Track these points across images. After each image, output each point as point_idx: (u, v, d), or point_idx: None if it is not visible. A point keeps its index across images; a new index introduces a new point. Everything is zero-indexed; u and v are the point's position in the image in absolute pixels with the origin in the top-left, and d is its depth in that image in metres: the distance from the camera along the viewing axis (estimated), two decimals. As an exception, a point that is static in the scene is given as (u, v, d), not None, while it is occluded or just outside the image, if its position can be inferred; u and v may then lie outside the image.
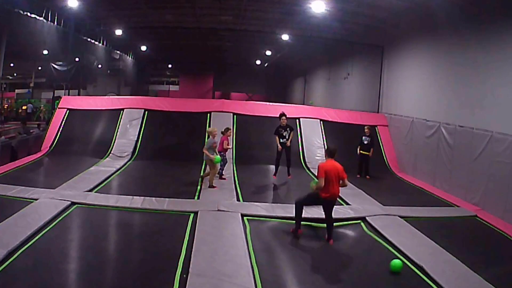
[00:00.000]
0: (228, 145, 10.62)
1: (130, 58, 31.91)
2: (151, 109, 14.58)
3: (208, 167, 10.24)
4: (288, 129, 11.03)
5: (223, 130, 10.69)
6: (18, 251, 5.73)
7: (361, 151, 12.43)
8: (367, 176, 12.25)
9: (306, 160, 13.49)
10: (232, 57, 32.61)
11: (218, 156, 9.97)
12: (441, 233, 7.74)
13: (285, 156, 11.21)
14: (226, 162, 11.25)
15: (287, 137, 10.94)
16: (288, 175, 11.25)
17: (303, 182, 11.57)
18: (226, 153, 10.96)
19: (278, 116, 11.28)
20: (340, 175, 7.03)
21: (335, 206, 8.97)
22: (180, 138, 13.90)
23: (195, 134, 13.95)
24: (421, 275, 5.88)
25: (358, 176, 12.23)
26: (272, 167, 12.03)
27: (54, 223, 7.01)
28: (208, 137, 10.12)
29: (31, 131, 16.79)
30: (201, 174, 10.76)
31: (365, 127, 12.74)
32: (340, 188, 7.19)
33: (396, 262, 6.04)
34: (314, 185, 7.18)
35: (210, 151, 9.87)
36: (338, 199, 9.72)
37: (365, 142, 12.41)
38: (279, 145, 10.97)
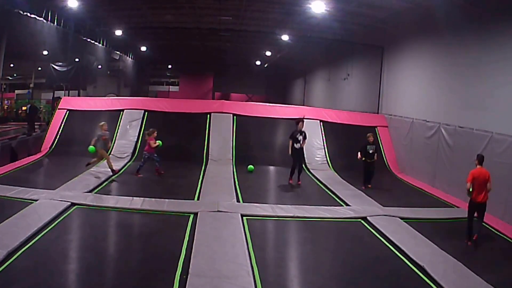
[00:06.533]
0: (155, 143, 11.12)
1: (130, 58, 31.89)
2: (151, 110, 14.59)
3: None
4: (303, 133, 10.81)
5: (147, 132, 11.35)
6: (18, 252, 5.73)
7: (366, 159, 11.19)
8: (369, 185, 11.21)
9: (306, 161, 13.45)
10: (232, 58, 32.61)
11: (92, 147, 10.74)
12: (441, 234, 7.74)
13: (298, 162, 10.75)
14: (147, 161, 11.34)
15: (301, 142, 10.68)
16: (298, 181, 10.82)
17: (303, 183, 11.60)
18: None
19: (296, 120, 10.84)
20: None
21: (336, 207, 9.05)
22: (180, 138, 13.89)
23: (195, 135, 13.97)
24: (421, 275, 5.88)
25: (363, 187, 11.05)
26: (272, 167, 12.04)
27: (54, 224, 7.00)
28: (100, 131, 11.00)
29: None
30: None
31: (368, 134, 11.45)
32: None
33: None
34: None
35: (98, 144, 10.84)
36: (338, 200, 9.82)
37: (370, 151, 11.15)
38: (290, 150, 10.52)
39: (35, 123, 19.44)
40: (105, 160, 11.01)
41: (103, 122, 11.15)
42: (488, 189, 7.40)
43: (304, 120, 11.05)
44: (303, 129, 10.82)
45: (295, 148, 10.56)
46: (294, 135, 10.57)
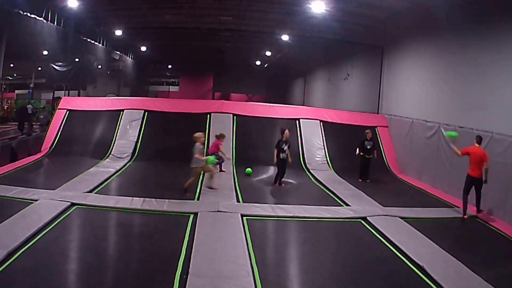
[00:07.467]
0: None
1: (130, 58, 31.90)
2: (151, 110, 14.58)
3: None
4: (288, 143, 10.90)
5: (217, 135, 11.12)
6: (18, 252, 5.73)
7: (363, 154, 11.96)
8: (368, 180, 11.93)
9: (306, 162, 13.47)
10: (232, 58, 32.62)
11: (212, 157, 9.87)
12: (441, 234, 7.74)
13: (282, 171, 10.95)
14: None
15: (286, 152, 10.78)
16: (281, 185, 10.99)
17: (303, 183, 11.61)
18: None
19: (282, 130, 10.97)
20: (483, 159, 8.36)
21: (335, 207, 9.05)
22: (180, 139, 13.86)
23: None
24: (421, 275, 5.88)
25: (360, 180, 11.92)
26: (272, 167, 12.02)
27: (54, 224, 7.00)
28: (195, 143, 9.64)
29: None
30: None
31: (366, 131, 12.22)
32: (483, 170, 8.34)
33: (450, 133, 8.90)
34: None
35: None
36: (338, 200, 9.82)
37: (368, 147, 11.94)
38: (275, 159, 10.69)
39: (33, 124, 19.39)
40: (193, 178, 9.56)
41: (200, 133, 9.69)
42: (485, 167, 8.37)
43: (289, 130, 11.10)
44: (287, 139, 10.85)
45: (280, 158, 10.66)
46: (280, 145, 10.62)
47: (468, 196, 8.74)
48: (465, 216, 8.46)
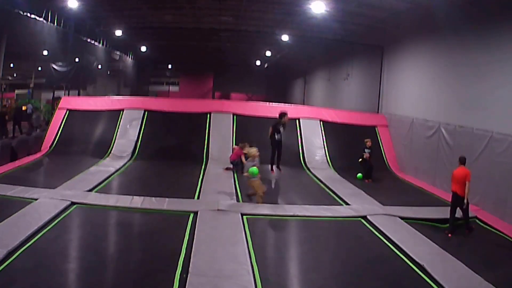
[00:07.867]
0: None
1: (130, 58, 31.90)
2: (151, 109, 14.59)
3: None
4: (285, 126, 11.35)
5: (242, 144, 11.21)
6: (18, 251, 5.73)
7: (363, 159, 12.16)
8: (370, 179, 11.98)
9: (306, 161, 13.47)
10: (232, 58, 32.61)
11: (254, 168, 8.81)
12: (441, 233, 7.76)
13: (277, 151, 11.46)
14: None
15: (281, 133, 11.10)
16: (278, 169, 11.39)
17: (303, 182, 11.62)
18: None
19: (282, 113, 11.29)
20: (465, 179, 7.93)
21: (336, 206, 9.06)
22: (180, 138, 13.90)
23: (195, 135, 13.97)
24: (422, 274, 5.88)
25: (366, 181, 11.91)
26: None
27: (54, 223, 7.01)
28: (247, 158, 9.18)
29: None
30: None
31: (366, 140, 12.38)
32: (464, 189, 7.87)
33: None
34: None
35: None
36: (338, 199, 9.82)
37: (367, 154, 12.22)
38: (270, 138, 11.16)
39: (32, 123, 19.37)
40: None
41: (254, 149, 8.98)
42: (466, 188, 7.83)
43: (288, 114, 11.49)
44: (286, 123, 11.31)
45: (275, 139, 11.09)
46: (277, 127, 11.04)
47: (455, 214, 8.10)
48: (449, 235, 7.85)
